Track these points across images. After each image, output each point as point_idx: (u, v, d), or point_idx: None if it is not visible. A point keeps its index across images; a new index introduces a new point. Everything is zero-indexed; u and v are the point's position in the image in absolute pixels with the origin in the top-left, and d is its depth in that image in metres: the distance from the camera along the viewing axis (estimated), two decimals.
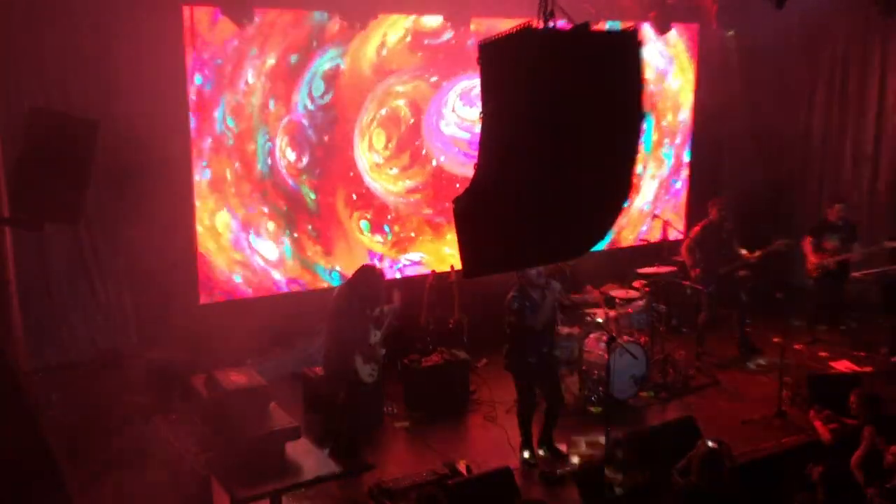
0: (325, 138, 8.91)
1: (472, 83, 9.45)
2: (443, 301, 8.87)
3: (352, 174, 9.14)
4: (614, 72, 3.77)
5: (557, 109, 3.61)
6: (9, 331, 6.36)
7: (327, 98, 8.83)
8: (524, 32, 3.45)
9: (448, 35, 9.22)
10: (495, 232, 3.80)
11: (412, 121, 9.36)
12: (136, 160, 7.66)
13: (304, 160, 8.85)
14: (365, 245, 9.31)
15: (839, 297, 9.95)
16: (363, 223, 9.33)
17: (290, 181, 8.81)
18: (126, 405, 6.89)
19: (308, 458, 5.43)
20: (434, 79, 9.38)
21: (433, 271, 9.19)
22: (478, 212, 3.74)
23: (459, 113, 9.59)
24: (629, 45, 3.78)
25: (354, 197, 9.20)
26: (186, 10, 7.87)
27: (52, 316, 7.66)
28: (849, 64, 11.04)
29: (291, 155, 8.78)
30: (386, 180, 9.38)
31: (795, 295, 10.03)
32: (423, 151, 9.51)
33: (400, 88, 9.22)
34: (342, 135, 9.01)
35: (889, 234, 10.56)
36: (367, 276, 6.96)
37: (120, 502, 5.64)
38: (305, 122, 8.78)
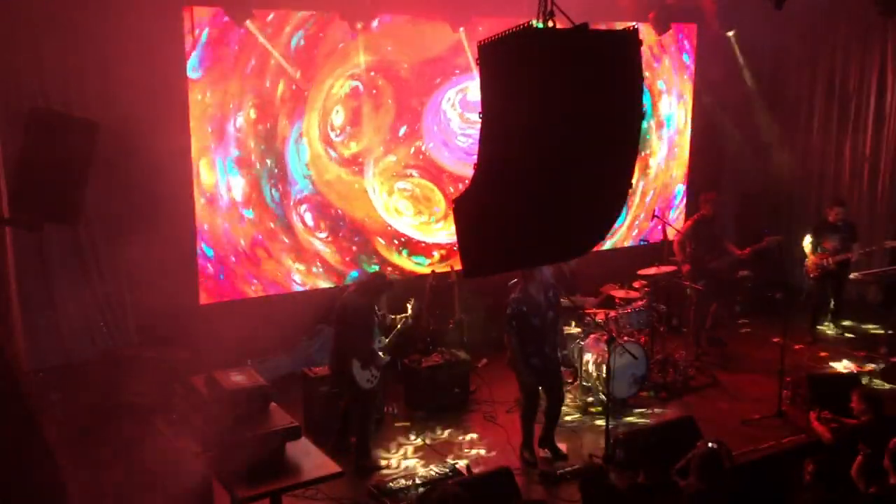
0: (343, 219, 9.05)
1: (455, 91, 9.39)
2: (443, 301, 8.87)
3: (403, 240, 9.36)
4: (614, 71, 3.77)
5: (557, 109, 3.61)
6: (9, 331, 6.36)
7: (312, 171, 8.86)
8: (524, 32, 3.45)
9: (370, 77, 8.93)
10: (495, 232, 3.81)
11: (434, 189, 9.44)
12: (137, 160, 7.66)
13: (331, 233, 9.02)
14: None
15: (839, 296, 9.95)
16: (414, 257, 9.53)
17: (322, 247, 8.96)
18: (126, 405, 6.90)
19: (308, 458, 5.42)
20: (403, 130, 9.19)
21: (433, 271, 9.19)
22: (478, 212, 3.75)
23: (470, 118, 9.55)
24: (629, 44, 3.79)
25: (395, 242, 9.38)
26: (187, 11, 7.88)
27: (52, 316, 7.65)
28: (849, 64, 11.04)
29: (311, 221, 8.92)
30: (438, 230, 9.54)
31: (795, 295, 10.02)
32: (453, 186, 9.54)
33: (392, 159, 9.16)
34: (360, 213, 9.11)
35: (889, 234, 10.57)
36: (376, 284, 7.00)
37: (120, 502, 5.64)
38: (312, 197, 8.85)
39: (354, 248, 9.13)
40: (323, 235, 8.95)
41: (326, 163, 8.84)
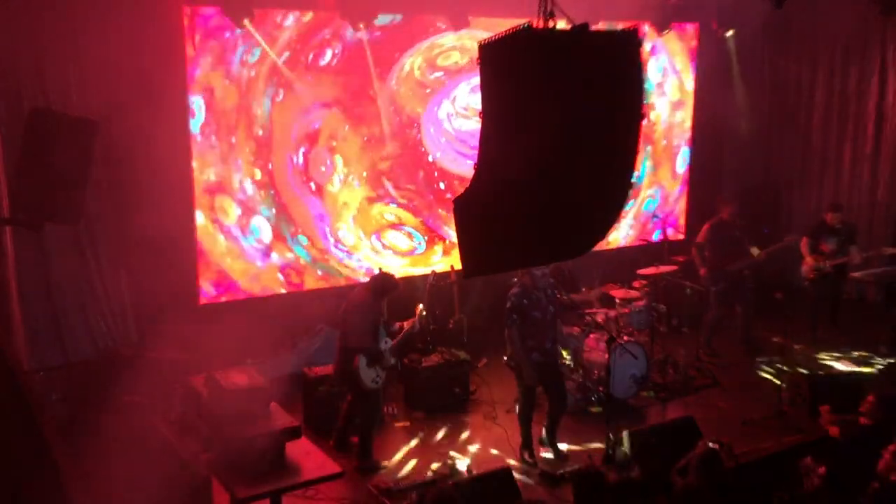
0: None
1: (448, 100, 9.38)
2: (443, 301, 8.87)
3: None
4: (614, 71, 3.78)
5: (557, 109, 3.61)
6: (9, 331, 6.36)
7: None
8: (524, 32, 3.46)
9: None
10: (495, 232, 3.81)
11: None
12: (137, 160, 7.67)
13: None
14: None
15: (837, 298, 9.92)
16: None
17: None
18: (126, 405, 6.89)
19: (308, 458, 5.43)
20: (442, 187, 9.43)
21: (433, 271, 9.18)
22: (478, 211, 3.75)
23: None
24: (629, 44, 3.79)
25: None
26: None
27: (52, 316, 7.65)
28: (849, 64, 11.03)
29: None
30: None
31: (795, 295, 10.02)
32: None
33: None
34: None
35: (888, 237, 10.55)
36: (384, 284, 7.00)
37: (120, 502, 5.64)
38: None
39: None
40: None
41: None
